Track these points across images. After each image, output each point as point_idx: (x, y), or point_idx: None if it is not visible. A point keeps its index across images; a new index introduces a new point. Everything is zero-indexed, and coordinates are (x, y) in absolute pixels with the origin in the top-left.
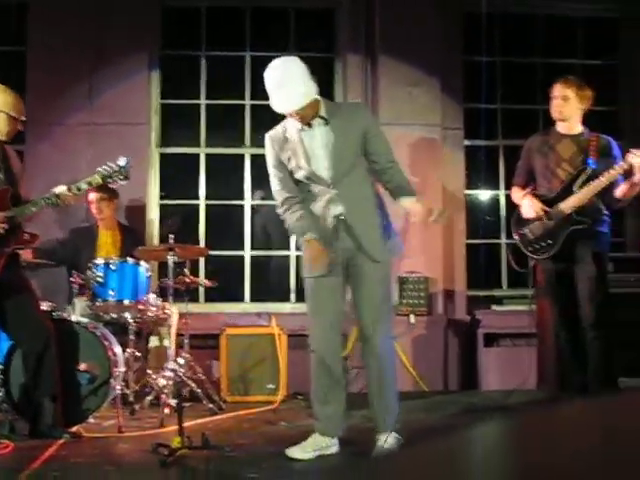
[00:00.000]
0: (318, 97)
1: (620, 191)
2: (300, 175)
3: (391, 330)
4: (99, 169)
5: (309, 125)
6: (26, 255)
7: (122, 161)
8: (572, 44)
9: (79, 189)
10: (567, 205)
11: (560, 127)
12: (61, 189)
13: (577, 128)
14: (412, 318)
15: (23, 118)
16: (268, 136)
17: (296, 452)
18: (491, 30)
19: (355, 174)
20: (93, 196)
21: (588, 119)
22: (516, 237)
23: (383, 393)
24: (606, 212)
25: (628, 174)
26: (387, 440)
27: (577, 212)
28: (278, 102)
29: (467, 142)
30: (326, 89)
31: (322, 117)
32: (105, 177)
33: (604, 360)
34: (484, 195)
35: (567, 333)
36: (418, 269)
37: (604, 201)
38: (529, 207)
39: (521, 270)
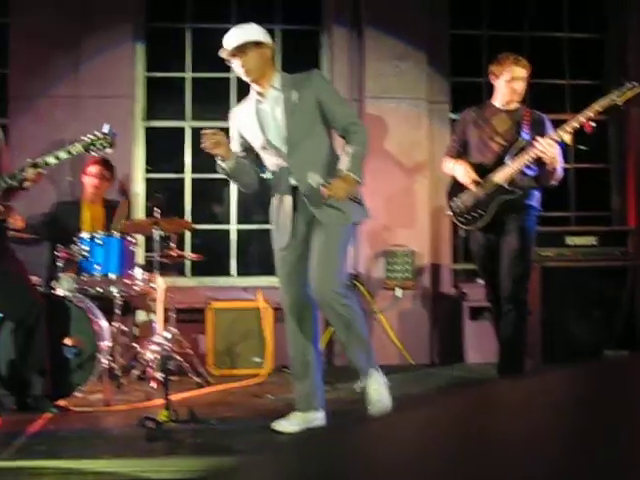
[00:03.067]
0: (267, 52)
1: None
2: (257, 145)
3: (341, 287)
4: (82, 138)
5: (263, 96)
6: (17, 223)
7: (105, 128)
8: (559, 18)
9: (58, 158)
10: (499, 176)
11: (497, 101)
12: (26, 165)
13: (515, 104)
14: (398, 292)
15: None
16: (231, 111)
17: (282, 425)
18: (478, 3)
19: (310, 142)
20: (95, 170)
21: (574, 93)
22: (448, 207)
23: (352, 344)
24: (537, 186)
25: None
26: (369, 384)
27: (509, 183)
28: (223, 43)
29: (453, 116)
30: (312, 62)
31: (275, 87)
32: (87, 145)
33: (514, 334)
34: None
35: (495, 306)
36: (404, 242)
37: (536, 178)
38: (464, 174)
39: (455, 241)
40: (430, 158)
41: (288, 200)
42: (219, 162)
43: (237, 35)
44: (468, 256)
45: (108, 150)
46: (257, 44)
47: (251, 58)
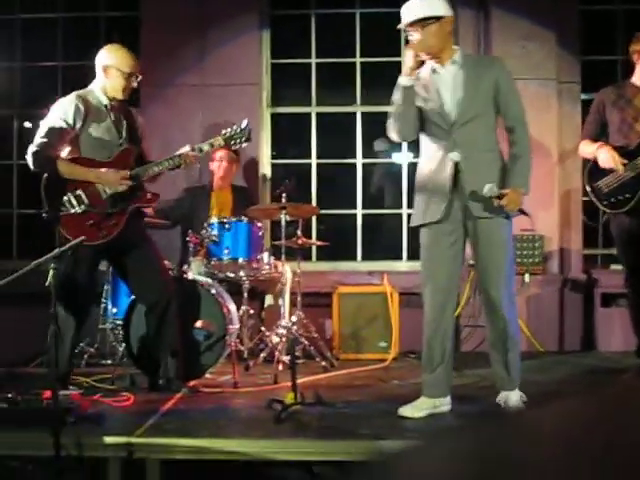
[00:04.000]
0: (447, 26)
1: None
2: (428, 108)
3: (513, 287)
4: (223, 131)
5: (442, 66)
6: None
7: (244, 123)
8: None
9: (201, 150)
10: None
11: (637, 79)
12: (184, 150)
13: None
14: (527, 277)
15: (137, 75)
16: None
17: (408, 411)
18: None
19: (478, 123)
20: (222, 155)
21: None
22: (589, 191)
23: (508, 351)
24: None
25: None
26: (510, 398)
27: None
28: (403, 12)
29: (585, 96)
30: None
31: (455, 61)
32: (228, 139)
33: None
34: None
35: (633, 293)
36: (533, 227)
37: None
38: (608, 158)
39: (593, 225)
40: (559, 140)
41: (446, 174)
42: (404, 75)
43: (418, 7)
44: (604, 241)
45: (244, 144)
46: (438, 18)
47: (431, 33)
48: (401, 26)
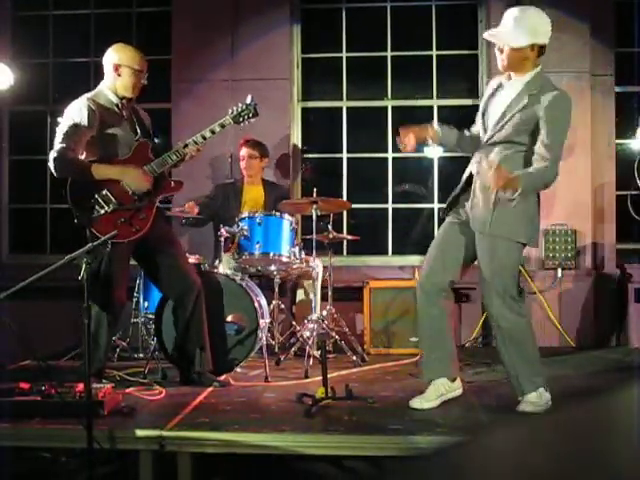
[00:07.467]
0: (530, 56)
1: None
2: (480, 116)
3: (510, 303)
4: (229, 110)
5: (510, 80)
6: (192, 210)
7: (248, 99)
8: None
9: (213, 132)
10: None
11: None
12: (188, 141)
13: None
14: (559, 272)
15: (146, 72)
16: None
17: (417, 402)
18: None
19: (511, 148)
20: (245, 152)
21: None
22: None
23: (508, 362)
24: None
25: None
26: (522, 403)
27: None
28: (502, 25)
29: (618, 89)
30: (469, 37)
31: (522, 82)
32: (235, 117)
33: None
34: (636, 144)
35: None
36: (565, 221)
37: None
38: None
39: None
40: (593, 133)
41: (464, 178)
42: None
43: (504, 32)
44: (634, 235)
45: (252, 120)
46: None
47: (509, 56)
48: (487, 37)
